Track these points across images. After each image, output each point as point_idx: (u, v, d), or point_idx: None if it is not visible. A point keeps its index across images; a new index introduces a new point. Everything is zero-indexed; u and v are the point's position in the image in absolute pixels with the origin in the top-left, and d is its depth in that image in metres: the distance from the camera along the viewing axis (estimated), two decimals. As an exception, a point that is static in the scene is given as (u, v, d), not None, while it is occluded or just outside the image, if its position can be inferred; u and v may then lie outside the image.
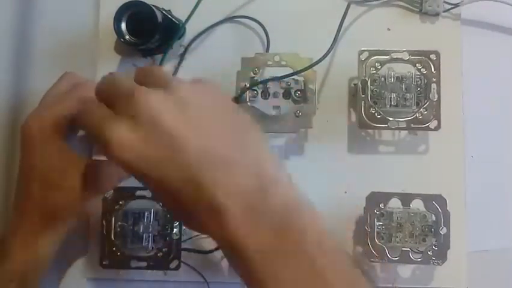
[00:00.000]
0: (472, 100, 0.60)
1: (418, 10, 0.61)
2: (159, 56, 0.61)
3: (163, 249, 0.55)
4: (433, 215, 0.54)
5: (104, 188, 0.55)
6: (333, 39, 0.57)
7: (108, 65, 0.62)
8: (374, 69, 0.56)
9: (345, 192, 0.59)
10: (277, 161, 0.42)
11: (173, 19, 0.60)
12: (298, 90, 0.56)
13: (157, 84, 0.40)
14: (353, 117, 0.60)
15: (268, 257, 0.38)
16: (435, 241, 0.54)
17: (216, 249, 0.57)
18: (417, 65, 0.56)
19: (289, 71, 0.56)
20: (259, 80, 0.56)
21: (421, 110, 0.55)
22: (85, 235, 0.59)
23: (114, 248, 0.55)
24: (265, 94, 0.57)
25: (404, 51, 0.56)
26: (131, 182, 0.56)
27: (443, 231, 0.54)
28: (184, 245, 0.56)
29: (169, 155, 0.38)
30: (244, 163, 0.38)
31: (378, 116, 0.55)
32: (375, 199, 0.54)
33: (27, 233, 0.52)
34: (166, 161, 0.38)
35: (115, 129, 0.39)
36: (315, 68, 0.56)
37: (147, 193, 0.55)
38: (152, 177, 0.39)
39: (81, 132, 0.56)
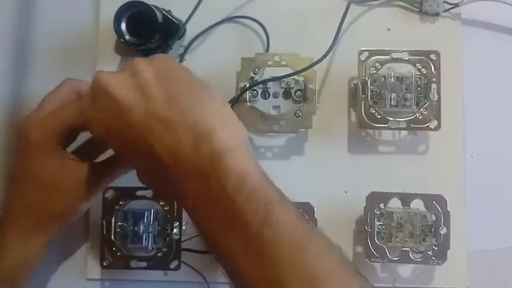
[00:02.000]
0: (472, 100, 0.60)
1: (418, 10, 0.61)
2: (159, 56, 0.61)
3: (163, 250, 0.55)
4: (433, 215, 0.54)
5: (96, 190, 0.55)
6: (333, 39, 0.57)
7: (108, 65, 0.62)
8: (374, 69, 0.56)
9: (346, 192, 0.59)
10: (223, 118, 0.44)
11: (173, 19, 0.60)
12: (298, 90, 0.56)
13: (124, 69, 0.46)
14: (353, 117, 0.60)
15: (198, 203, 0.42)
16: (436, 241, 0.54)
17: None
18: (417, 65, 0.56)
19: (289, 71, 0.56)
20: (259, 80, 0.56)
21: (421, 110, 0.55)
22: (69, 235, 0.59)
23: (114, 248, 0.56)
24: (265, 94, 0.57)
25: (404, 51, 0.56)
26: (131, 182, 0.56)
27: (443, 231, 0.54)
28: (184, 245, 0.56)
29: (119, 120, 0.44)
30: (182, 121, 0.43)
31: (378, 116, 0.55)
32: (376, 199, 0.55)
33: (19, 235, 0.52)
34: (118, 125, 0.44)
35: (86, 108, 0.47)
36: (315, 68, 0.56)
37: (147, 193, 0.56)
38: (112, 138, 0.46)
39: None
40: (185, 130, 0.42)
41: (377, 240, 0.54)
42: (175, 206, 0.55)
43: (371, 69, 0.56)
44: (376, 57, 0.56)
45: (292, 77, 0.56)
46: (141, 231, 0.56)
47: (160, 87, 0.44)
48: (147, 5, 0.57)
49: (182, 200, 0.44)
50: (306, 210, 0.55)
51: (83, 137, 0.55)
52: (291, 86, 0.56)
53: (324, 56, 0.56)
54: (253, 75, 0.57)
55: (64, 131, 0.52)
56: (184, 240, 0.56)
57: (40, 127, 0.52)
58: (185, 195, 0.43)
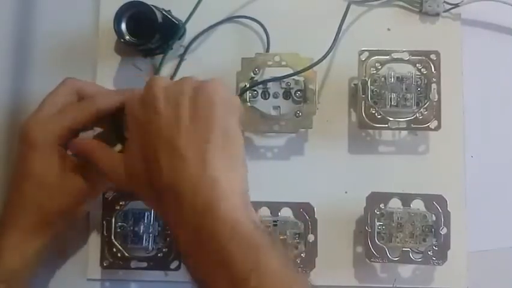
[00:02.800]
0: (472, 100, 0.60)
1: (418, 10, 0.61)
2: (159, 57, 0.61)
3: (164, 250, 0.55)
4: (433, 215, 0.54)
5: (97, 192, 0.55)
6: (333, 39, 0.57)
7: (108, 65, 0.62)
8: (374, 69, 0.56)
9: (346, 192, 0.59)
10: (230, 164, 0.45)
11: (173, 19, 0.60)
12: (298, 90, 0.56)
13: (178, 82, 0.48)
14: (353, 117, 0.60)
15: (187, 245, 0.43)
16: (436, 241, 0.54)
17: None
18: (417, 65, 0.56)
19: (289, 71, 0.56)
20: (259, 81, 0.56)
21: (421, 110, 0.55)
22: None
23: (114, 249, 0.56)
24: (266, 94, 0.57)
25: (404, 51, 0.56)
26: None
27: (444, 231, 0.54)
28: (184, 245, 0.56)
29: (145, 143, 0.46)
30: (190, 162, 0.44)
31: (379, 116, 0.56)
32: (376, 199, 0.55)
33: (19, 236, 0.52)
34: (147, 128, 0.46)
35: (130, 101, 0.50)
36: (315, 68, 0.56)
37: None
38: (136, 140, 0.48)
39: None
40: (191, 167, 0.44)
41: (377, 241, 0.54)
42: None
43: (371, 69, 0.56)
44: (376, 57, 0.56)
45: (293, 77, 0.56)
46: (141, 231, 0.55)
47: (192, 115, 0.45)
48: (147, 5, 0.57)
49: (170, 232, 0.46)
50: (306, 210, 0.55)
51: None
52: (291, 86, 0.56)
53: (325, 57, 0.56)
54: (253, 76, 0.57)
55: (65, 132, 0.52)
56: (185, 241, 0.57)
57: (41, 129, 0.52)
58: (177, 240, 0.45)
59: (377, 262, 0.54)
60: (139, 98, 0.48)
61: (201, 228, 0.42)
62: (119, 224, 0.56)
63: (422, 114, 0.55)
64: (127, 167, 0.48)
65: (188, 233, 0.43)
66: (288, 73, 0.56)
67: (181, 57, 0.62)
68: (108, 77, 0.62)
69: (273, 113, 0.57)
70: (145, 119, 0.46)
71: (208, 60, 0.62)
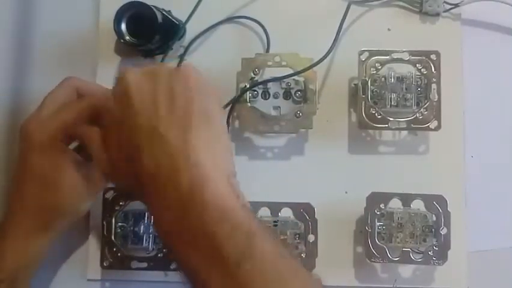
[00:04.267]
0: (472, 100, 0.60)
1: (418, 10, 0.61)
2: (159, 57, 0.61)
3: (164, 250, 0.55)
4: (434, 215, 0.54)
5: (99, 188, 0.55)
6: (333, 39, 0.57)
7: (108, 65, 0.62)
8: (374, 69, 0.56)
9: (346, 192, 0.59)
10: (214, 147, 0.44)
11: (174, 20, 0.60)
12: (298, 90, 0.56)
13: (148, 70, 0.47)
14: (353, 118, 0.60)
15: (174, 236, 0.41)
16: (436, 241, 0.54)
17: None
18: (417, 65, 0.56)
19: (289, 71, 0.56)
20: (260, 81, 0.56)
21: (421, 110, 0.55)
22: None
23: (115, 249, 0.56)
24: (266, 94, 0.57)
25: (405, 51, 0.56)
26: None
27: (444, 231, 0.54)
28: (184, 246, 0.56)
29: (125, 116, 0.45)
30: (172, 147, 0.42)
31: (379, 117, 0.56)
32: (376, 199, 0.55)
33: (21, 235, 0.52)
34: (122, 120, 0.45)
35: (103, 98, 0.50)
36: (315, 68, 0.56)
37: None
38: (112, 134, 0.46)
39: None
40: (174, 152, 0.42)
41: (377, 241, 0.54)
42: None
43: (371, 69, 0.56)
44: (376, 57, 0.56)
45: (293, 77, 0.56)
46: (141, 231, 0.56)
47: (169, 102, 0.44)
48: (147, 5, 0.57)
49: (154, 224, 0.44)
50: (306, 210, 0.55)
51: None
52: (291, 86, 0.56)
53: (325, 57, 0.56)
54: (254, 76, 0.57)
55: (66, 129, 0.52)
56: (185, 241, 0.57)
57: (42, 127, 0.52)
58: (159, 221, 0.43)
59: (378, 262, 0.54)
60: (112, 93, 0.46)
61: (188, 212, 0.40)
62: (120, 224, 0.56)
63: (422, 114, 0.55)
64: (109, 160, 0.47)
65: (175, 219, 0.41)
66: (289, 73, 0.56)
67: (181, 58, 0.62)
68: (108, 77, 0.62)
69: (273, 113, 0.57)
70: (119, 114, 0.45)
71: (208, 60, 0.62)
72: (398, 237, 0.54)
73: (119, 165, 0.45)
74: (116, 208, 0.56)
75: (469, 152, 0.59)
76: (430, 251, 0.54)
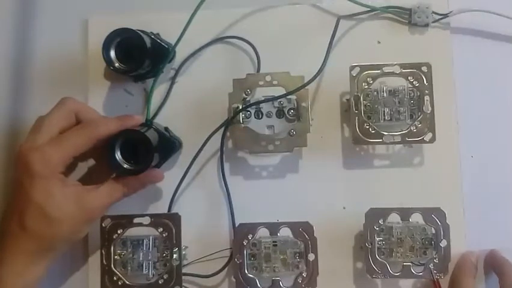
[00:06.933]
0: (464, 108, 0.60)
1: (407, 22, 0.61)
2: (150, 80, 0.60)
3: (164, 276, 0.55)
4: (433, 228, 0.54)
5: (99, 213, 0.55)
6: (324, 55, 0.57)
7: (99, 91, 0.62)
8: (366, 84, 0.56)
9: (344, 207, 0.59)
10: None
11: (162, 43, 0.59)
12: (291, 109, 0.56)
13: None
14: (347, 132, 0.60)
15: None
16: (436, 254, 0.54)
17: (217, 273, 0.57)
18: (409, 77, 0.56)
19: (281, 89, 0.56)
20: (252, 101, 0.56)
21: (415, 122, 0.55)
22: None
23: (115, 277, 0.55)
24: (259, 114, 0.56)
25: (396, 64, 0.56)
26: (128, 209, 0.56)
27: (444, 243, 0.54)
28: (184, 270, 0.56)
29: None
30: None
31: (373, 131, 0.55)
32: (374, 215, 0.54)
33: (21, 263, 0.52)
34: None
35: None
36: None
37: (145, 220, 0.55)
38: None
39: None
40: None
41: (377, 256, 0.54)
42: (174, 232, 0.55)
43: (363, 84, 0.56)
44: (367, 72, 0.56)
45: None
46: (141, 258, 0.55)
47: None
48: (135, 31, 0.57)
49: None
50: (305, 229, 0.55)
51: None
52: (284, 105, 0.56)
53: (317, 75, 0.56)
54: (246, 96, 0.56)
55: (66, 160, 0.53)
56: (185, 265, 0.56)
57: (41, 157, 0.52)
58: None
59: (379, 278, 0.54)
60: None
61: None
62: (118, 252, 0.56)
63: (416, 127, 0.55)
64: None
65: None
66: (281, 94, 0.55)
67: (172, 80, 0.61)
68: (99, 102, 0.61)
69: (267, 132, 0.56)
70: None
71: (200, 81, 0.61)
72: (398, 252, 0.54)
73: None
74: (114, 236, 0.56)
75: (467, 153, 0.59)
76: (431, 264, 0.54)
